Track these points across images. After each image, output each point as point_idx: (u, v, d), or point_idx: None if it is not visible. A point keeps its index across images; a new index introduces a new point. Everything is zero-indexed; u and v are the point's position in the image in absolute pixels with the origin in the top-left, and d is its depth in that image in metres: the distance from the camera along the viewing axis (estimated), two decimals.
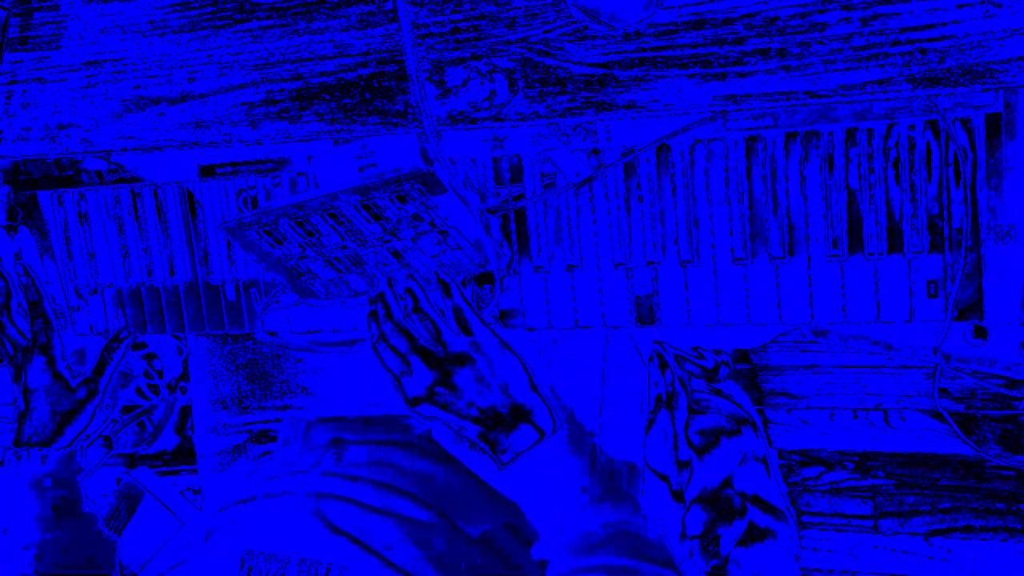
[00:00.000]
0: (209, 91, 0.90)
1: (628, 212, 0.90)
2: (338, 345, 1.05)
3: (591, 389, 1.04)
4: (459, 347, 0.81)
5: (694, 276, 0.90)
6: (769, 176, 0.85)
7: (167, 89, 0.91)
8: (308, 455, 0.99)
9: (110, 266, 1.06)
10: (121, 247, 1.05)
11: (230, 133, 0.91)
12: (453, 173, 0.87)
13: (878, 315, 0.86)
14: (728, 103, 0.78)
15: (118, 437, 1.47)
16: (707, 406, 1.11)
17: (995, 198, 0.80)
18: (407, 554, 0.79)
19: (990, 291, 0.82)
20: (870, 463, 1.46)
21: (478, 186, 0.92)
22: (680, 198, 0.88)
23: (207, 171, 1.00)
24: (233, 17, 0.88)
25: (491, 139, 0.89)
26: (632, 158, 0.86)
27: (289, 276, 0.93)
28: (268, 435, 1.20)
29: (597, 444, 0.86)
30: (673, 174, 0.87)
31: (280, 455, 1.05)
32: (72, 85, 0.94)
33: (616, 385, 1.05)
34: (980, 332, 0.86)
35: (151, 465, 1.57)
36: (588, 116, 0.81)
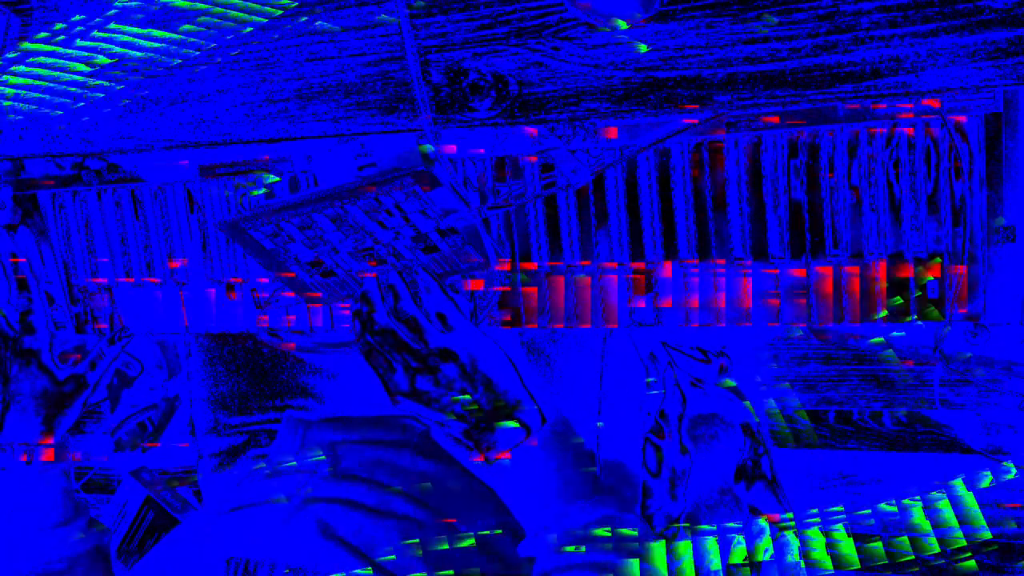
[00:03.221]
0: (209, 91, 0.90)
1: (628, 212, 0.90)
2: (340, 346, 1.05)
3: (589, 388, 1.04)
4: (441, 343, 0.80)
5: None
6: (770, 176, 0.85)
7: (167, 89, 0.91)
8: (306, 455, 0.99)
9: (111, 266, 1.06)
10: (122, 247, 1.05)
11: (230, 133, 0.91)
12: (452, 172, 0.87)
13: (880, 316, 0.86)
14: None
15: (119, 438, 1.47)
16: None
17: (995, 198, 0.80)
18: (402, 554, 0.79)
19: (990, 291, 0.82)
20: None
21: (477, 185, 0.92)
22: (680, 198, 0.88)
23: (207, 171, 1.00)
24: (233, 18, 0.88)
25: (491, 138, 0.89)
26: (631, 158, 0.86)
27: (288, 275, 0.93)
28: (268, 435, 1.20)
29: (588, 442, 0.86)
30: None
31: (278, 455, 1.05)
32: (72, 85, 0.94)
33: (614, 384, 1.05)
34: (980, 332, 0.86)
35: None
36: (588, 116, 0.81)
